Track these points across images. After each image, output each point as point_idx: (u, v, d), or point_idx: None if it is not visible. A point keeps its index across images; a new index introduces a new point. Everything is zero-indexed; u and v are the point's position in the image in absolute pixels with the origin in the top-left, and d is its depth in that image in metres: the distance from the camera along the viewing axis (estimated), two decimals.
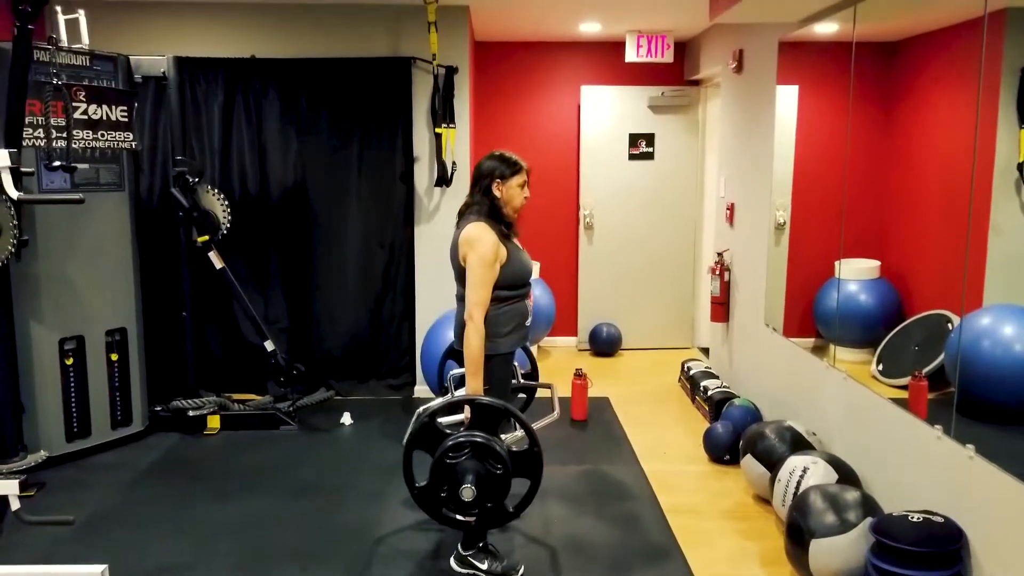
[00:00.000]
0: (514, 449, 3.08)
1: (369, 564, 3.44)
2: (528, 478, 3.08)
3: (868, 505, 3.15)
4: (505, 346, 3.26)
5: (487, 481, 2.97)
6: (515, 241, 3.34)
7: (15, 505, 3.20)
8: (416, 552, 3.54)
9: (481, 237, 3.15)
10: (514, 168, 3.29)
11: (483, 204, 3.26)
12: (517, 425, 3.14)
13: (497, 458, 2.97)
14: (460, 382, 3.74)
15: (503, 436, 3.11)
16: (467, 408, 3.09)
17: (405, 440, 3.11)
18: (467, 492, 2.94)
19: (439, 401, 3.42)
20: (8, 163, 3.22)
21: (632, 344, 7.26)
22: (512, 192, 3.28)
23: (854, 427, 3.73)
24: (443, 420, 3.16)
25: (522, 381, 3.93)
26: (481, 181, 3.29)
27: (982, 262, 3.09)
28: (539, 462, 3.08)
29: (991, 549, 2.69)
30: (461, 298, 3.33)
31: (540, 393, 4.06)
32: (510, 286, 3.23)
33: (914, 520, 2.83)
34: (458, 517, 3.07)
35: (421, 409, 3.62)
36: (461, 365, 3.45)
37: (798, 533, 3.16)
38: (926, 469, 3.10)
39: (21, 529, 3.57)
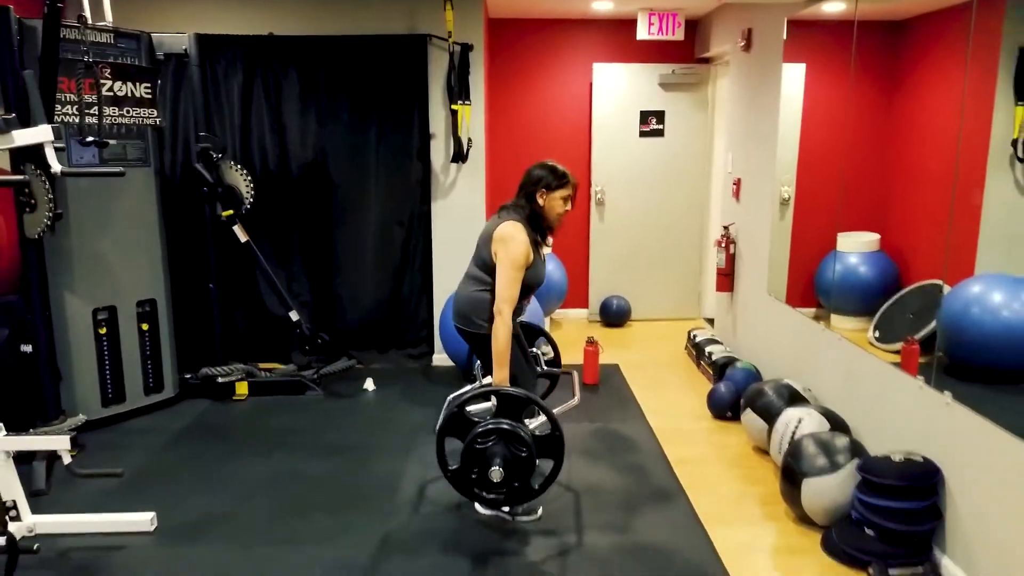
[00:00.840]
0: (538, 433, 3.29)
1: (399, 511, 3.67)
2: (552, 459, 3.30)
3: (856, 449, 3.43)
4: None
5: (513, 463, 3.19)
6: (541, 250, 3.50)
7: (67, 460, 3.44)
8: (442, 500, 3.77)
9: (516, 238, 3.32)
10: (561, 181, 3.44)
11: (524, 209, 3.42)
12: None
13: (522, 442, 3.19)
14: (485, 371, 3.97)
15: (527, 421, 3.32)
16: (493, 397, 3.28)
17: (437, 428, 3.31)
18: (495, 474, 3.16)
19: (467, 389, 3.64)
20: (51, 137, 3.40)
21: (641, 315, 7.46)
22: (554, 203, 3.43)
23: (846, 382, 3.97)
24: (472, 408, 3.37)
25: (546, 368, 4.12)
26: (527, 187, 3.44)
27: (975, 234, 3.25)
28: (561, 445, 3.28)
29: (963, 481, 2.96)
30: (471, 277, 3.52)
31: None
32: (523, 288, 3.41)
33: (896, 460, 3.11)
34: (488, 496, 3.27)
35: (451, 397, 3.86)
36: (468, 346, 3.67)
37: (792, 475, 3.44)
38: (908, 416, 3.35)
39: (69, 485, 3.82)
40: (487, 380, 3.87)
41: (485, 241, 3.45)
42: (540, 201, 3.42)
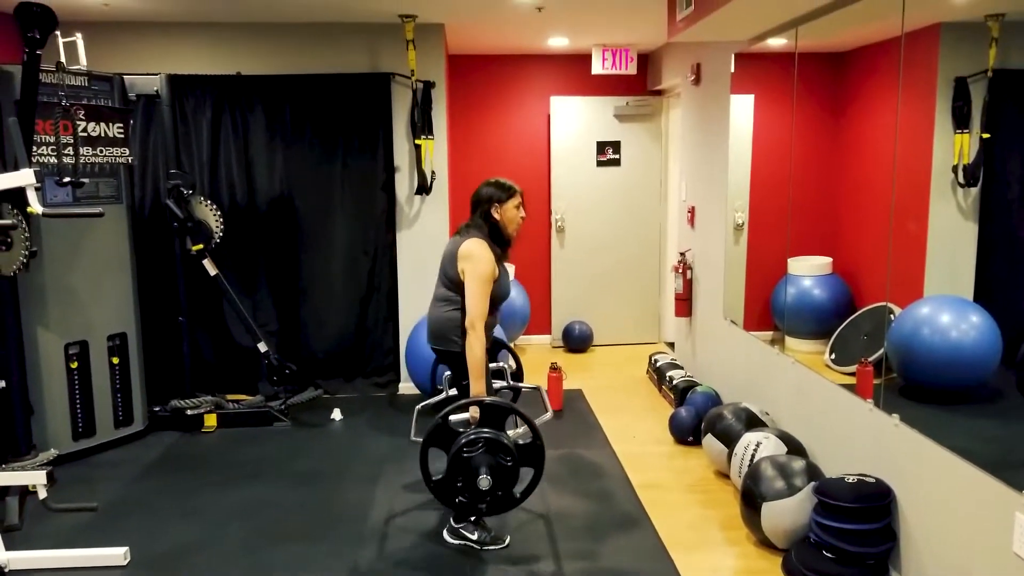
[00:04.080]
0: (520, 443, 3.43)
1: (369, 539, 3.76)
2: (532, 467, 3.46)
3: (812, 471, 3.55)
4: None
5: (499, 472, 3.33)
6: (504, 264, 3.69)
7: (42, 494, 3.50)
8: (411, 528, 3.88)
9: (481, 255, 3.52)
10: (509, 192, 3.66)
11: (483, 227, 3.62)
12: (518, 421, 3.49)
13: (507, 451, 3.33)
14: (451, 383, 4.11)
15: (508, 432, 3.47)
16: (472, 408, 3.42)
17: (423, 438, 3.43)
18: (484, 482, 3.30)
19: (436, 399, 3.77)
20: (33, 181, 3.50)
21: (603, 340, 7.64)
22: (510, 214, 3.65)
23: (800, 405, 4.13)
24: (453, 419, 3.48)
25: (510, 382, 4.27)
26: (480, 206, 3.65)
27: (923, 257, 3.45)
28: (542, 453, 3.45)
29: (914, 502, 3.08)
30: (441, 299, 3.69)
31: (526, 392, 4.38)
32: (491, 302, 3.58)
33: (850, 481, 3.23)
34: (471, 505, 3.40)
35: (419, 407, 3.99)
36: (444, 364, 3.82)
37: (751, 498, 3.55)
38: (860, 438, 3.50)
39: (41, 519, 3.87)
40: (453, 392, 4.02)
41: (450, 260, 3.62)
42: (496, 216, 3.63)
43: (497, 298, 3.62)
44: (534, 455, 3.44)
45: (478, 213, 3.66)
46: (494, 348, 4.16)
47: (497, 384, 4.09)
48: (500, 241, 3.65)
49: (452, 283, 3.62)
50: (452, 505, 3.44)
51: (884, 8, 3.37)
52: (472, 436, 3.35)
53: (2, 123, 4.33)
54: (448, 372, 4.13)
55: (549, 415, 3.88)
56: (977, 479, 2.68)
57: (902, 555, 3.15)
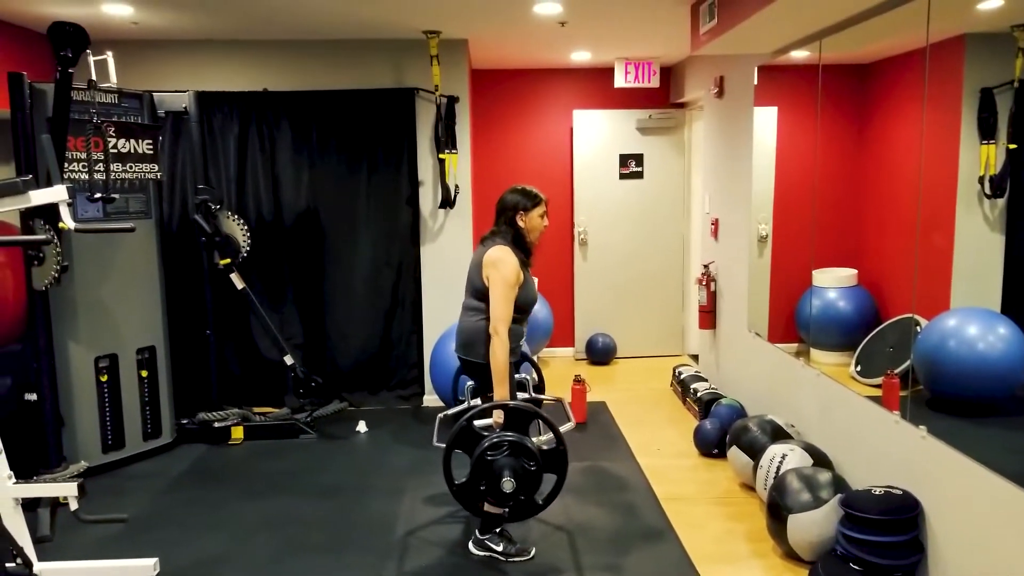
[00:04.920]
0: (544, 448, 3.44)
1: (395, 552, 3.78)
2: (555, 473, 3.46)
3: (838, 483, 3.53)
4: None
5: (522, 476, 3.32)
6: (528, 271, 3.72)
7: (73, 506, 3.54)
8: (436, 540, 3.89)
9: (505, 259, 3.55)
10: (534, 200, 3.71)
11: (507, 233, 3.66)
12: (542, 428, 3.50)
13: (531, 455, 3.34)
14: (474, 393, 4.12)
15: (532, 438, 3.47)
16: (496, 413, 3.43)
17: (447, 442, 3.44)
18: (507, 484, 3.29)
19: (461, 408, 3.77)
20: (65, 197, 3.57)
21: (626, 353, 7.63)
22: (534, 222, 3.70)
23: (826, 417, 4.11)
24: (479, 423, 3.50)
25: (532, 394, 4.28)
26: (505, 213, 3.69)
27: (949, 269, 3.44)
28: (565, 459, 3.45)
29: (942, 515, 3.06)
30: (469, 308, 3.71)
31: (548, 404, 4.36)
32: (518, 309, 3.61)
33: (877, 494, 3.20)
34: (493, 509, 3.41)
35: (441, 416, 4.01)
36: (470, 376, 3.83)
37: (777, 511, 3.54)
38: (887, 450, 3.47)
39: (72, 530, 3.91)
40: (475, 402, 4.02)
41: (476, 269, 3.66)
42: (521, 223, 3.68)
43: (524, 304, 3.64)
44: (557, 461, 3.44)
45: (503, 219, 3.70)
46: (517, 360, 4.18)
47: (519, 396, 4.10)
48: (524, 247, 3.69)
49: (479, 292, 3.65)
50: (474, 510, 3.43)
51: (909, 20, 3.36)
52: (496, 439, 3.35)
53: (35, 140, 4.43)
54: (470, 383, 4.15)
55: (572, 424, 3.88)
56: (1006, 491, 2.65)
57: (930, 568, 3.12)
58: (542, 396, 4.29)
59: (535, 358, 6.54)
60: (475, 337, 3.67)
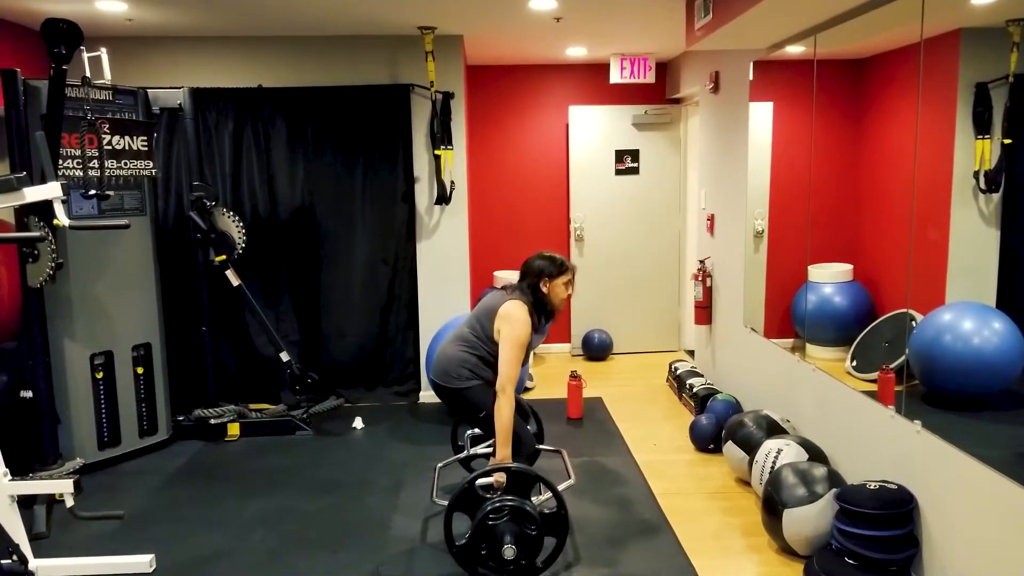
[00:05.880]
0: (545, 512, 3.41)
1: (391, 547, 3.78)
2: (555, 536, 3.42)
3: (834, 478, 3.54)
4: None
5: (523, 541, 3.29)
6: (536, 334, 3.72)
7: (69, 503, 3.54)
8: (433, 536, 3.89)
9: (520, 319, 3.55)
10: (560, 269, 3.70)
11: (529, 296, 3.64)
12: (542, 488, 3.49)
13: (532, 520, 3.31)
14: (474, 441, 4.14)
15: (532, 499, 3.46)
16: (498, 474, 3.39)
17: (449, 502, 3.41)
18: (509, 551, 3.26)
19: (458, 456, 3.76)
20: (59, 194, 3.57)
21: (622, 348, 7.64)
22: (557, 290, 3.69)
23: (822, 412, 4.12)
24: (481, 482, 3.44)
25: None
26: (529, 278, 3.67)
27: (944, 263, 3.44)
28: (566, 523, 3.43)
29: (937, 509, 3.07)
30: (460, 338, 3.73)
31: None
32: None
33: (872, 488, 3.21)
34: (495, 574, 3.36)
35: (440, 466, 4.11)
36: (442, 400, 3.81)
37: (773, 505, 3.55)
38: (882, 445, 3.48)
39: (68, 527, 3.93)
40: (475, 450, 4.06)
41: (488, 313, 3.65)
42: (544, 289, 3.67)
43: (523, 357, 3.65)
44: (558, 524, 3.41)
45: (526, 283, 3.69)
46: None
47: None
48: (542, 311, 3.69)
49: (483, 333, 3.67)
50: (474, 572, 3.38)
51: (903, 15, 3.37)
52: (498, 504, 3.32)
53: (29, 137, 4.42)
54: (470, 431, 4.14)
55: (572, 481, 3.91)
56: (1001, 485, 2.66)
57: (924, 562, 3.13)
58: (541, 447, 4.28)
59: (532, 354, 6.58)
60: (453, 364, 3.68)
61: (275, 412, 5.66)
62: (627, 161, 7.48)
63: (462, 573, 3.50)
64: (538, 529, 3.31)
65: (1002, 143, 3.12)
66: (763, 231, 5.06)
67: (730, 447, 4.39)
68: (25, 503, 3.53)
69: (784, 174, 4.87)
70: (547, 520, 3.39)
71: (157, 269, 5.25)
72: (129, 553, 3.66)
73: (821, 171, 4.38)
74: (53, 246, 4.30)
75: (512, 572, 3.34)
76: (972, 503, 2.83)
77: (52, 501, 4.08)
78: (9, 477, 3.45)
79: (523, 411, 4.21)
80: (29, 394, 4.54)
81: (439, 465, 4.25)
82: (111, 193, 4.56)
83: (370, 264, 6.04)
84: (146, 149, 4.98)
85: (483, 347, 3.66)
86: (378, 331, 6.11)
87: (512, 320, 3.54)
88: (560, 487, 3.48)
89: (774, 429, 4.28)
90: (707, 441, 4.94)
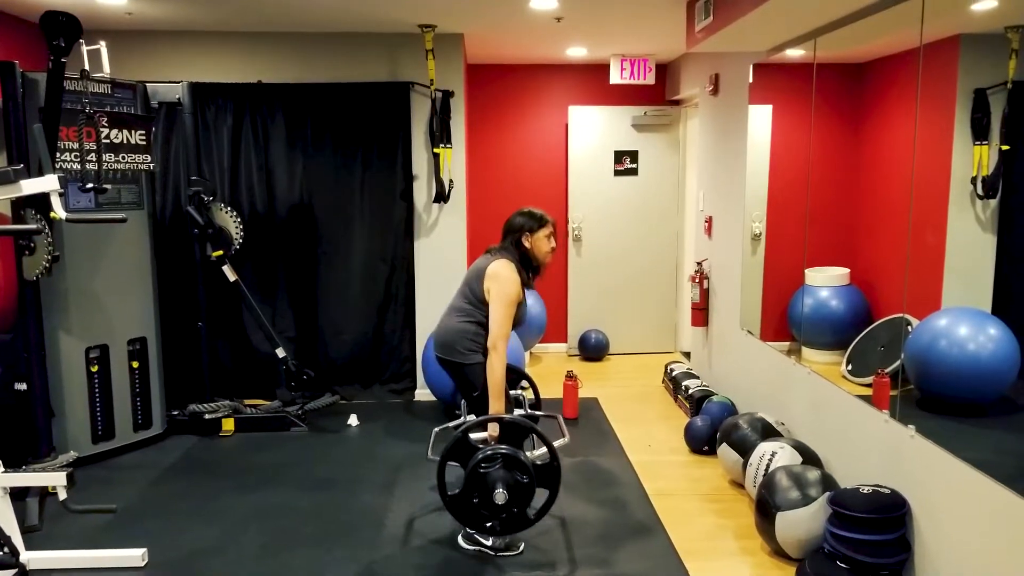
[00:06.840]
0: (537, 462, 3.46)
1: (385, 544, 3.78)
2: (548, 488, 3.48)
3: (827, 482, 3.54)
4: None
5: (515, 489, 3.35)
6: (526, 291, 3.76)
7: (62, 495, 3.54)
8: (427, 533, 3.89)
9: (509, 277, 3.61)
10: (540, 222, 3.77)
11: (513, 253, 3.71)
12: (536, 443, 3.54)
13: (524, 469, 3.37)
14: (454, 393, 4.15)
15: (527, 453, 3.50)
16: (491, 426, 3.47)
17: (442, 453, 3.47)
18: (500, 496, 3.32)
19: (457, 423, 3.80)
20: (56, 187, 3.57)
21: (619, 349, 7.65)
22: (540, 243, 3.75)
23: (817, 416, 4.12)
24: (474, 436, 3.52)
25: (528, 410, 4.30)
26: (511, 235, 3.74)
27: (940, 269, 3.44)
28: (558, 474, 3.48)
29: (929, 514, 3.07)
30: (456, 309, 3.77)
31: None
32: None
33: (865, 492, 3.22)
34: (486, 523, 3.42)
35: (437, 429, 4.08)
36: (449, 374, 3.86)
37: (766, 508, 3.55)
38: (876, 449, 3.49)
39: (61, 520, 3.92)
40: (471, 417, 4.03)
41: (477, 276, 3.70)
42: (527, 244, 3.73)
43: (516, 322, 3.69)
44: (550, 476, 3.47)
45: (509, 240, 3.76)
46: (513, 377, 4.22)
47: (515, 412, 4.12)
48: (528, 268, 3.75)
49: (475, 297, 3.70)
50: (467, 522, 3.45)
51: (903, 20, 3.37)
52: (490, 452, 3.38)
53: (27, 129, 4.41)
54: (460, 392, 4.16)
55: (566, 440, 3.92)
56: (993, 491, 2.66)
57: (916, 567, 3.13)
58: (538, 412, 4.32)
59: (528, 354, 6.59)
60: (456, 337, 3.72)
61: (270, 408, 5.65)
62: (626, 162, 7.49)
63: (455, 568, 3.51)
64: (530, 478, 3.35)
65: (1000, 149, 3.12)
66: (761, 234, 5.07)
67: (724, 449, 4.39)
68: (18, 495, 3.53)
69: (782, 177, 4.87)
70: (540, 471, 3.43)
71: (154, 264, 5.24)
72: (121, 547, 3.68)
73: (819, 175, 4.38)
74: (50, 239, 4.29)
75: (504, 520, 3.38)
76: (965, 508, 2.83)
77: (45, 494, 4.08)
78: (2, 469, 3.45)
79: (514, 381, 4.23)
80: (23, 387, 4.53)
81: (436, 429, 4.28)
82: (108, 187, 4.56)
83: (368, 261, 6.03)
84: (144, 143, 4.97)
85: (478, 312, 3.70)
86: (375, 329, 6.10)
87: (500, 278, 3.60)
88: (555, 444, 3.52)
89: (769, 432, 4.28)
90: (702, 443, 4.94)
